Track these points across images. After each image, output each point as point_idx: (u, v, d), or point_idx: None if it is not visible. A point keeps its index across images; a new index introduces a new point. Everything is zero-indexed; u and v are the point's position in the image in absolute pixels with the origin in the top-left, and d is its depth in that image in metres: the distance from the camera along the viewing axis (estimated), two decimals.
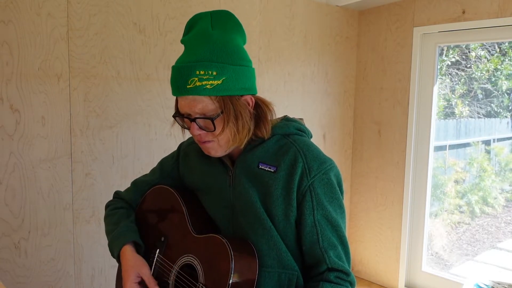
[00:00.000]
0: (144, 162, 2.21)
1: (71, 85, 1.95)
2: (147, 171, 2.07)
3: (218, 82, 1.01)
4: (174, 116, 1.10)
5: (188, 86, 1.01)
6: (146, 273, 1.17)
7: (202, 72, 1.00)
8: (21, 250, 1.88)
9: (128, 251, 1.22)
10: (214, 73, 1.01)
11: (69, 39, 1.92)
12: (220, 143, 1.09)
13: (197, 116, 1.05)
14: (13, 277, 1.87)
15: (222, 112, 1.04)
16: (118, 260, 1.24)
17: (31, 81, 1.84)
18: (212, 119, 1.04)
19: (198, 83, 1.01)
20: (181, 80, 1.03)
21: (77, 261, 2.04)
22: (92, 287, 2.11)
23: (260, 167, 1.12)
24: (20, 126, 1.83)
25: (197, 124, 1.06)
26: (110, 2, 2.02)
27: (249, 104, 1.09)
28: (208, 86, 1.01)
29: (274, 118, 1.16)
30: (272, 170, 1.10)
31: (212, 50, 1.02)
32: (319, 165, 1.09)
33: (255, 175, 1.12)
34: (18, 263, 1.88)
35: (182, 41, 1.09)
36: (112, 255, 1.26)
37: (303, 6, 2.86)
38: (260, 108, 1.11)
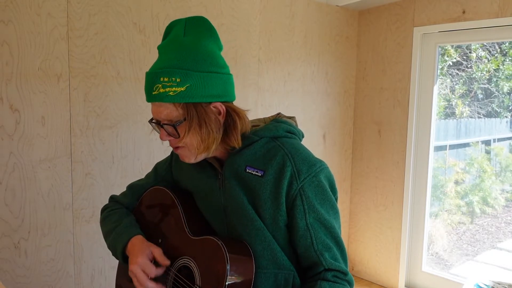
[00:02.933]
0: (144, 162, 2.21)
1: (71, 85, 1.95)
2: (147, 171, 2.07)
3: (182, 89, 1.01)
4: (149, 121, 1.12)
5: (153, 93, 1.03)
6: (159, 251, 1.16)
7: (166, 79, 1.01)
8: (21, 250, 1.88)
9: (140, 238, 1.21)
10: (178, 79, 1.01)
11: (69, 39, 1.92)
12: (190, 149, 1.09)
13: (164, 122, 1.06)
14: (13, 277, 1.87)
15: (185, 119, 1.04)
16: (122, 255, 1.21)
17: (31, 81, 1.84)
18: (174, 126, 1.04)
19: (161, 90, 1.01)
20: (148, 87, 1.04)
21: (77, 261, 2.04)
22: (92, 287, 2.11)
23: (247, 170, 1.11)
24: (20, 126, 1.83)
25: (165, 130, 1.07)
26: (110, 2, 2.02)
27: (219, 112, 1.07)
28: (171, 93, 1.01)
29: (248, 126, 1.14)
30: (260, 174, 1.09)
31: (179, 57, 1.03)
32: (308, 168, 1.08)
33: (243, 179, 1.11)
34: (18, 263, 1.88)
35: (157, 48, 1.10)
36: (115, 251, 1.23)
37: (303, 6, 2.86)
38: (230, 117, 1.09)
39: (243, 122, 1.11)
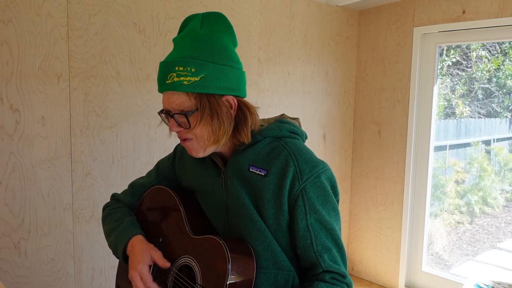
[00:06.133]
0: (144, 162, 2.21)
1: (71, 85, 1.95)
2: (147, 171, 2.07)
3: (196, 79, 1.01)
4: (159, 113, 1.11)
5: (167, 82, 1.03)
6: (158, 255, 1.16)
7: (181, 68, 1.01)
8: (21, 250, 1.88)
9: (140, 239, 1.20)
10: (193, 69, 1.01)
11: (69, 39, 1.92)
12: (199, 142, 1.08)
13: (176, 112, 1.05)
14: (13, 277, 1.87)
15: (197, 109, 1.04)
16: (123, 255, 1.21)
17: (31, 81, 1.84)
18: (186, 115, 1.04)
19: (176, 79, 1.01)
20: (162, 76, 1.04)
21: (77, 261, 2.04)
22: (92, 287, 2.11)
23: (250, 170, 1.11)
24: (20, 126, 1.83)
25: (175, 121, 1.07)
26: (110, 2, 2.02)
27: (230, 106, 1.07)
28: (185, 82, 1.01)
29: (258, 124, 1.14)
30: (263, 174, 1.09)
31: (194, 47, 1.03)
32: (311, 168, 1.08)
33: (246, 178, 1.11)
34: (18, 263, 1.88)
35: (173, 40, 1.11)
36: (116, 251, 1.23)
37: (303, 6, 2.86)
38: (242, 112, 1.09)
39: (254, 118, 1.11)
